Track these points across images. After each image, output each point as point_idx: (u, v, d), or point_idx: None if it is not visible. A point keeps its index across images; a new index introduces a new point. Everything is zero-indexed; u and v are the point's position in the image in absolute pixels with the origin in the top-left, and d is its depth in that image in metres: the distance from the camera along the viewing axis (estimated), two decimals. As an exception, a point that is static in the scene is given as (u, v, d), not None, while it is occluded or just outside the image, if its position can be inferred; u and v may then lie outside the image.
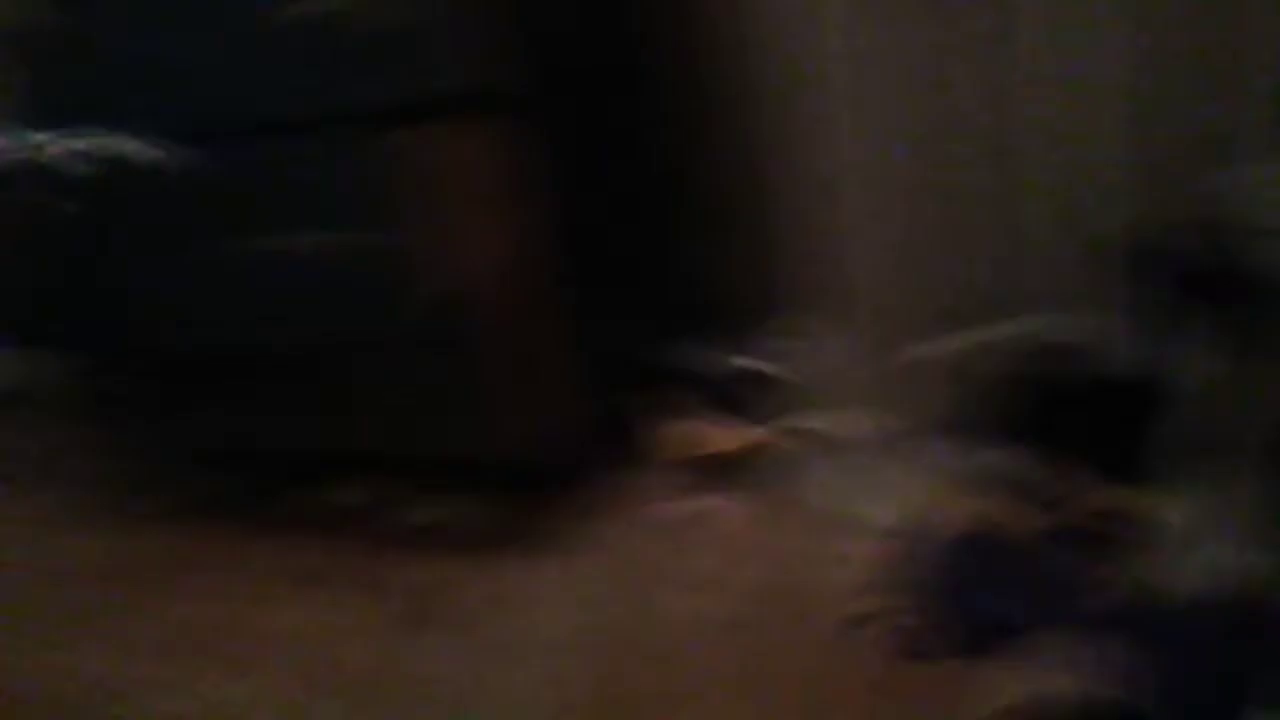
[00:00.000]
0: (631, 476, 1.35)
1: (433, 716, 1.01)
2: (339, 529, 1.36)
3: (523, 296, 1.18)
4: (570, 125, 1.29)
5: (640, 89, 1.53)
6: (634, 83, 1.52)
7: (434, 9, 1.06)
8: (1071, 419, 1.14)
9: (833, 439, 1.28)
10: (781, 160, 1.28)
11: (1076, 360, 1.18)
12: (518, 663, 1.06)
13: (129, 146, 1.18)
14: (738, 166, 1.56)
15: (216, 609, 1.25)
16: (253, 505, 1.48)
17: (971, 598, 0.99)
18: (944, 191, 1.21)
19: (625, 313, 1.46)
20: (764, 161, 1.47)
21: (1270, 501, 0.97)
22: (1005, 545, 1.04)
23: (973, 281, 1.26)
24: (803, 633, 1.01)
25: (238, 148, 1.19)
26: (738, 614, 1.07)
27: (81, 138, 1.20)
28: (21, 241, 1.25)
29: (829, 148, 1.17)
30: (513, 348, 1.18)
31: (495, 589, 1.18)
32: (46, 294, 1.28)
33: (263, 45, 1.15)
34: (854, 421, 1.26)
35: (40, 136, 1.22)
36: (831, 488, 1.20)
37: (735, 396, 1.36)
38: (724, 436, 1.31)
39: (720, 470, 1.29)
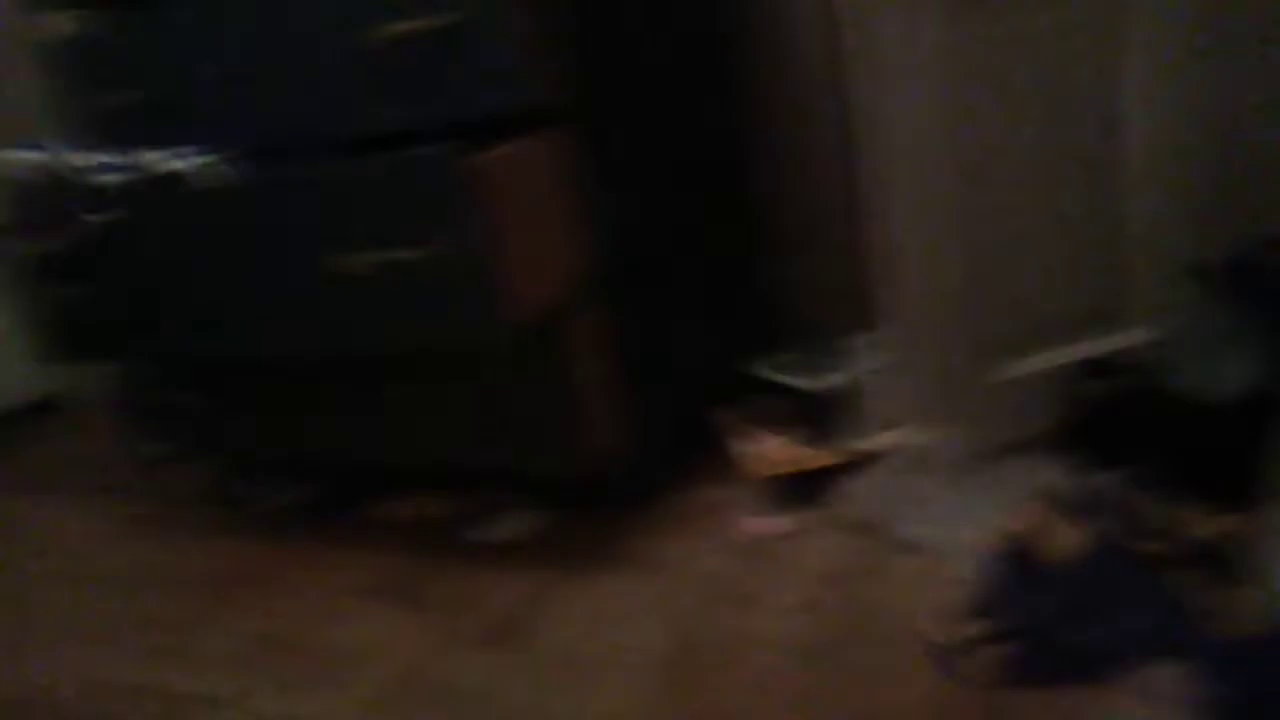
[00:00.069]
0: (709, 494, 1.32)
1: (505, 736, 0.99)
2: (408, 544, 1.35)
3: (598, 312, 1.17)
4: (649, 141, 1.29)
5: (725, 114, 1.53)
6: (720, 107, 1.51)
7: (503, 25, 1.07)
8: (1170, 441, 1.10)
9: (916, 459, 1.24)
10: (860, 175, 1.25)
11: (1173, 380, 1.14)
12: (592, 682, 1.03)
13: (194, 163, 1.19)
14: (816, 184, 1.54)
15: (283, 623, 1.23)
16: (321, 519, 1.47)
17: (1067, 625, 0.94)
18: (1032, 209, 1.18)
19: (704, 330, 1.44)
20: (842, 178, 1.45)
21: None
22: (1101, 571, 0.99)
23: (1063, 299, 1.22)
24: (888, 658, 0.97)
25: (306, 164, 1.19)
26: (819, 637, 1.03)
27: (148, 154, 1.21)
28: (80, 254, 1.26)
29: (910, 163, 1.14)
30: (586, 363, 1.16)
31: (569, 606, 1.16)
32: (110, 307, 1.28)
33: (330, 65, 1.17)
34: (939, 441, 1.22)
35: (105, 154, 1.24)
36: (914, 508, 1.17)
37: (815, 415, 1.33)
38: (803, 455, 1.28)
39: (799, 489, 1.26)
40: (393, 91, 1.14)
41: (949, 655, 0.95)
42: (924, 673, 0.94)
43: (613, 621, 1.12)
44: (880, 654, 0.98)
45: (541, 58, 1.08)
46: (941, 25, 1.08)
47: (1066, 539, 1.03)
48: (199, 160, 1.19)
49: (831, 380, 1.36)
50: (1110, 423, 1.16)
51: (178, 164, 1.19)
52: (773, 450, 1.29)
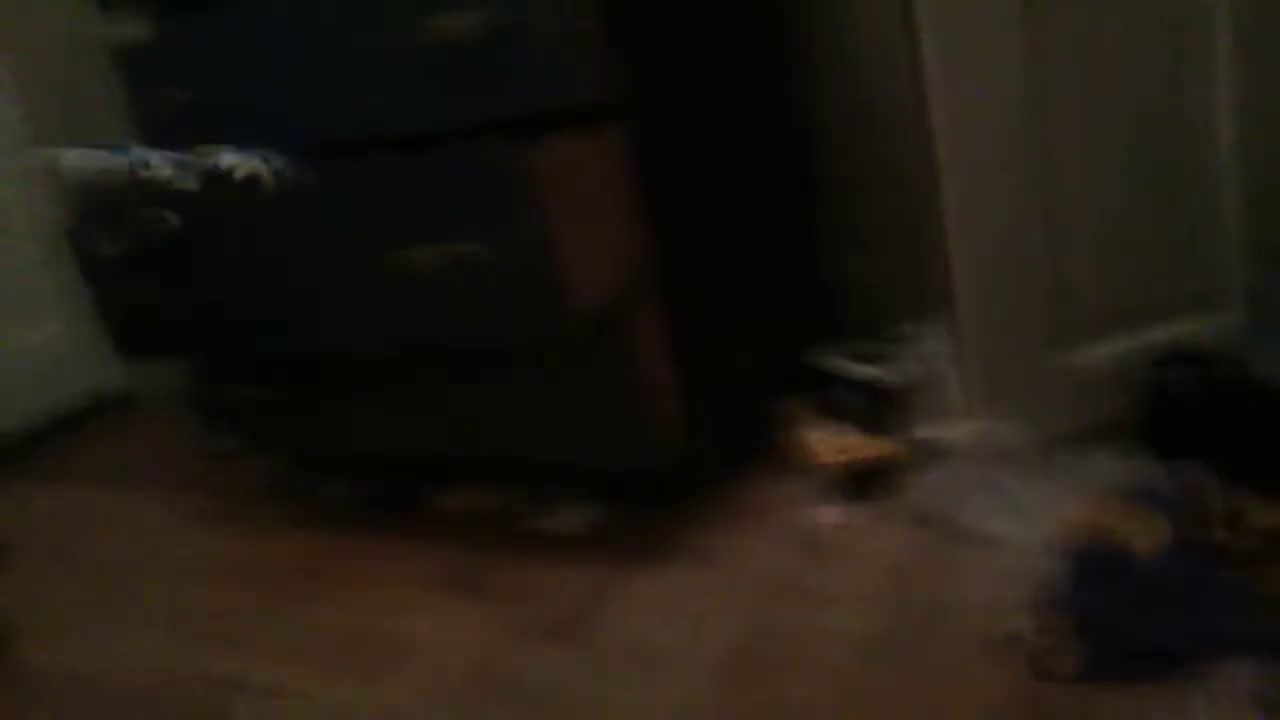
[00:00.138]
0: (770, 486, 1.32)
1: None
2: (469, 536, 1.36)
3: (658, 305, 1.16)
4: (705, 137, 1.28)
5: (785, 109, 1.51)
6: (780, 102, 1.50)
7: (555, 21, 1.07)
8: (1234, 431, 1.06)
9: (974, 450, 1.22)
10: (918, 168, 1.23)
11: (1239, 369, 1.10)
12: (657, 675, 1.03)
13: (262, 164, 1.21)
14: (878, 176, 1.52)
15: (346, 614, 1.25)
16: (384, 511, 1.49)
17: (1140, 621, 0.92)
18: (1112, 195, 1.15)
19: (765, 322, 1.44)
20: (900, 170, 1.43)
21: None
22: (1175, 567, 0.97)
23: (1127, 287, 1.19)
24: (954, 653, 0.96)
25: (367, 161, 1.21)
26: (878, 630, 1.02)
27: (216, 154, 1.23)
28: (151, 253, 1.29)
29: (988, 152, 1.12)
30: (646, 356, 1.16)
31: (631, 600, 1.16)
32: (179, 305, 1.31)
33: (390, 63, 1.18)
34: (998, 432, 1.20)
35: (176, 154, 1.26)
36: (980, 500, 1.14)
37: (873, 406, 1.31)
38: (861, 446, 1.26)
39: (857, 481, 1.25)
40: (448, 89, 1.15)
41: (1018, 650, 0.93)
42: (991, 667, 0.93)
43: (675, 615, 1.12)
44: (946, 648, 0.97)
45: (595, 53, 1.08)
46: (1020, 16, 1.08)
47: (1140, 532, 1.00)
48: (267, 160, 1.21)
49: (895, 371, 1.34)
50: (1187, 410, 1.12)
51: (247, 164, 1.21)
52: (835, 442, 1.28)
